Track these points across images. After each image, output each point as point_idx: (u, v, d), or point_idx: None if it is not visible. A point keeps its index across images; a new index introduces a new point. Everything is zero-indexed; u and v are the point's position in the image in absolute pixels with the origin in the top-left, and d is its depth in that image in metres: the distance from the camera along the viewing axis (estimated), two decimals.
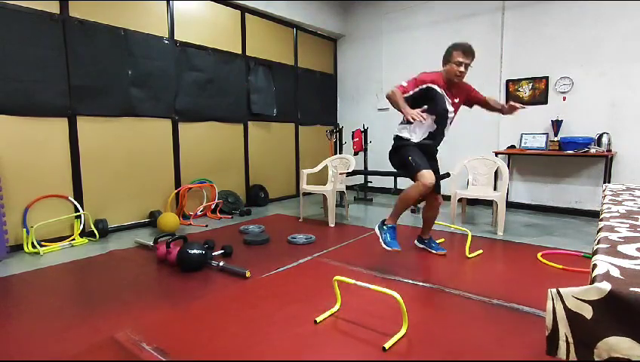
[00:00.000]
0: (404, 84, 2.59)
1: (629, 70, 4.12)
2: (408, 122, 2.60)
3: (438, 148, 2.90)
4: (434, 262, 2.92)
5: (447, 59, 2.65)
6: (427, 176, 2.50)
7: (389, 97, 2.56)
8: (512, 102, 2.64)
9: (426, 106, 2.61)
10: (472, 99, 2.86)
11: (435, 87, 2.61)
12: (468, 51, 2.61)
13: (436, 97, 2.62)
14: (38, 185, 3.33)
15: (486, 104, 2.83)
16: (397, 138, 2.80)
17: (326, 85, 6.53)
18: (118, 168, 3.85)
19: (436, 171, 2.75)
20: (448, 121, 2.76)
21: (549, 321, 0.81)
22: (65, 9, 3.39)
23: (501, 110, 2.77)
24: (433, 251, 3.04)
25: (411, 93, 2.57)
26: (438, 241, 3.36)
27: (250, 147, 5.25)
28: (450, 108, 2.72)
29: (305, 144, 6.13)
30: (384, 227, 2.65)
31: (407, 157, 2.64)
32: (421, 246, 3.15)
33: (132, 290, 2.39)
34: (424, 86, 2.60)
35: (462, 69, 2.58)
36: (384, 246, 2.58)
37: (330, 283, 2.13)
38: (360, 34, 6.36)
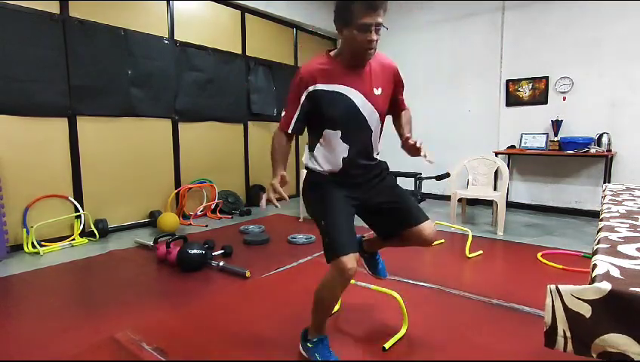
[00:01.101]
0: (282, 113, 1.60)
1: (629, 70, 4.12)
2: (310, 148, 1.69)
3: (382, 170, 1.71)
4: (434, 262, 2.92)
5: (344, 20, 1.43)
6: (348, 261, 1.42)
7: (272, 144, 1.64)
8: (413, 143, 1.49)
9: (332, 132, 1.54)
10: (398, 94, 1.69)
11: (321, 86, 1.49)
12: (377, 2, 1.40)
13: (324, 102, 1.50)
14: (38, 185, 3.33)
15: (401, 117, 1.73)
16: (307, 170, 1.72)
17: None
18: (118, 168, 3.85)
19: (396, 202, 1.63)
20: (371, 123, 1.56)
21: (547, 317, 0.81)
22: (65, 9, 3.39)
23: (402, 140, 1.58)
24: (373, 274, 1.91)
25: (297, 115, 1.54)
26: (437, 242, 3.36)
27: (250, 147, 5.24)
28: (365, 105, 1.53)
29: (305, 144, 6.11)
30: (309, 344, 1.63)
31: (320, 219, 1.57)
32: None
33: (132, 290, 2.39)
34: (306, 92, 1.51)
35: (373, 36, 1.46)
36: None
37: None
38: None
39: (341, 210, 1.56)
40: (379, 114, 1.57)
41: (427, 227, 1.59)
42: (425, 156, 1.47)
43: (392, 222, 1.64)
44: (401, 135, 1.64)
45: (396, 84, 1.66)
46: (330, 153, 1.59)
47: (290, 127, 1.57)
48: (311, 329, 1.66)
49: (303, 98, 1.52)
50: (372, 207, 1.64)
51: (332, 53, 1.57)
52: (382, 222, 1.69)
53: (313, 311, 1.62)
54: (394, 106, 1.70)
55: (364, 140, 1.59)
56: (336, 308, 2.06)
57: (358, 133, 1.56)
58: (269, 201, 1.53)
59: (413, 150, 1.49)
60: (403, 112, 1.74)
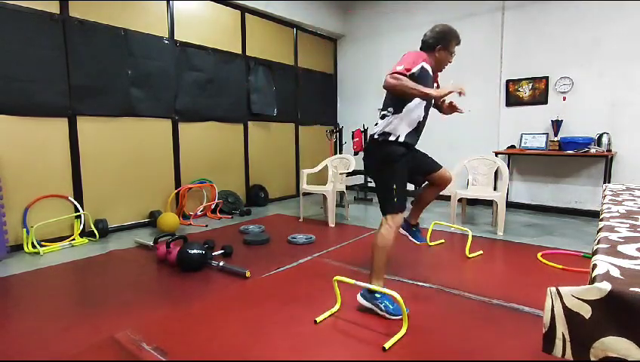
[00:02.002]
0: (402, 66, 1.97)
1: (629, 70, 4.12)
2: (394, 112, 2.12)
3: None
4: (434, 262, 2.92)
5: (444, 45, 2.17)
6: (401, 218, 2.10)
7: (393, 86, 1.96)
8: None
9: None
10: None
11: (428, 67, 2.12)
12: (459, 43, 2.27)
13: (428, 79, 2.10)
14: (38, 185, 3.33)
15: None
16: (384, 141, 2.13)
17: (326, 85, 6.53)
18: (118, 168, 3.85)
19: (424, 160, 2.33)
20: (429, 110, 2.25)
21: (546, 319, 0.81)
22: (65, 9, 3.39)
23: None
24: (416, 241, 2.52)
25: (414, 72, 2.00)
26: (437, 242, 3.37)
27: (250, 147, 5.25)
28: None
29: (305, 144, 6.13)
30: (376, 295, 2.03)
31: (393, 183, 2.09)
32: (404, 232, 2.50)
33: (132, 290, 2.39)
34: (420, 65, 2.05)
35: (452, 59, 2.26)
36: (391, 317, 1.98)
37: (330, 283, 2.13)
38: (360, 34, 6.36)
39: (405, 182, 2.18)
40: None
41: (445, 170, 2.37)
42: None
43: (425, 169, 2.34)
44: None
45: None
46: (409, 120, 2.13)
47: (413, 70, 2.00)
48: (374, 282, 2.06)
49: (418, 66, 2.03)
50: (413, 166, 2.24)
51: (428, 60, 2.16)
52: (418, 172, 2.35)
53: (375, 266, 2.07)
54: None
55: (427, 113, 2.24)
56: (336, 307, 2.06)
57: (428, 110, 2.23)
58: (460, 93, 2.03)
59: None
60: None
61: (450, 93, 1.98)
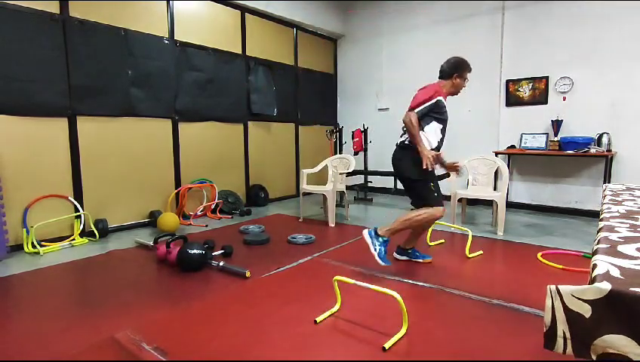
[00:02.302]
0: (414, 106, 2.57)
1: (629, 70, 4.12)
2: (416, 145, 2.54)
3: None
4: (434, 262, 2.92)
5: (459, 73, 2.65)
6: (440, 211, 2.60)
7: (407, 125, 2.53)
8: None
9: (436, 141, 2.66)
10: None
11: (442, 99, 2.60)
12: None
13: (443, 109, 2.62)
14: (38, 185, 3.33)
15: None
16: (413, 147, 2.56)
17: (326, 85, 6.53)
18: (118, 168, 3.85)
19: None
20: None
21: (547, 318, 0.81)
22: (65, 9, 3.39)
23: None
24: (419, 260, 2.85)
25: (424, 109, 2.56)
26: (437, 242, 3.37)
27: (250, 147, 5.25)
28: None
29: (305, 144, 6.13)
30: (379, 238, 2.58)
31: (430, 181, 2.60)
32: (402, 257, 2.89)
33: (132, 290, 2.39)
34: (434, 100, 2.55)
35: (465, 85, 2.74)
36: (377, 259, 2.53)
37: (330, 283, 2.13)
38: (360, 34, 6.37)
39: (437, 180, 2.67)
40: None
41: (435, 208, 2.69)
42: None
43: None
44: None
45: None
46: (431, 136, 2.62)
47: (418, 110, 2.56)
48: (385, 231, 2.59)
49: (428, 104, 2.55)
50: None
51: (444, 88, 2.68)
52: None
53: (397, 223, 2.59)
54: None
55: (443, 139, 2.72)
56: (336, 307, 2.06)
57: (444, 132, 2.70)
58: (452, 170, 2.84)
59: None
60: None
61: (429, 166, 2.44)
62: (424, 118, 2.58)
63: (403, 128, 2.69)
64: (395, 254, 2.91)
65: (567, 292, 0.77)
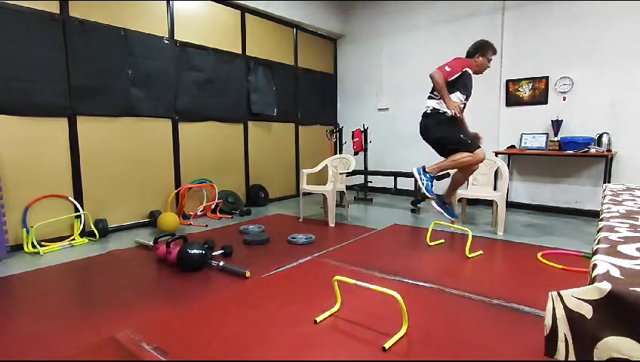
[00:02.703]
0: (448, 69, 2.94)
1: (629, 70, 4.12)
2: (442, 97, 2.96)
3: None
4: (434, 262, 2.92)
5: (482, 52, 3.11)
6: (482, 154, 2.99)
7: (433, 78, 2.93)
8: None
9: (462, 96, 3.07)
10: None
11: (469, 70, 3.03)
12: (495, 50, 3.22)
13: (469, 80, 3.04)
14: (38, 185, 3.33)
15: None
16: (436, 112, 3.04)
17: (326, 85, 6.53)
18: (118, 168, 3.85)
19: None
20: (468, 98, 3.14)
21: (548, 321, 0.80)
22: (65, 9, 3.39)
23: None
24: (447, 215, 3.23)
25: (452, 78, 2.95)
26: (437, 242, 3.37)
27: (250, 147, 5.25)
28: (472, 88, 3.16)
29: (305, 144, 6.13)
30: (427, 174, 3.03)
31: (460, 134, 2.99)
32: (438, 209, 3.23)
33: (132, 290, 2.39)
34: (462, 70, 2.97)
35: (489, 65, 3.16)
36: (425, 192, 2.98)
37: (330, 283, 2.13)
38: (360, 34, 6.37)
39: (468, 132, 3.09)
40: None
41: (480, 153, 3.11)
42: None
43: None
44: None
45: None
46: (460, 104, 3.01)
47: (452, 77, 2.97)
48: (431, 168, 3.04)
49: (458, 74, 2.97)
50: None
51: (472, 65, 3.11)
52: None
53: (443, 162, 3.03)
54: None
55: (467, 100, 3.13)
56: (336, 307, 2.06)
57: (467, 101, 3.09)
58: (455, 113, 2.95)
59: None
60: None
61: (457, 114, 2.87)
62: (450, 86, 2.96)
63: (432, 92, 3.08)
64: (433, 203, 3.24)
65: (568, 294, 0.77)
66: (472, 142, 3.00)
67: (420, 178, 3.02)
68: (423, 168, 3.07)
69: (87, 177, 3.63)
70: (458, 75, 2.96)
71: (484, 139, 5.11)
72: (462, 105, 2.93)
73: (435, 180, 3.06)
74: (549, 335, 0.80)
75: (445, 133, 3.02)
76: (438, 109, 3.04)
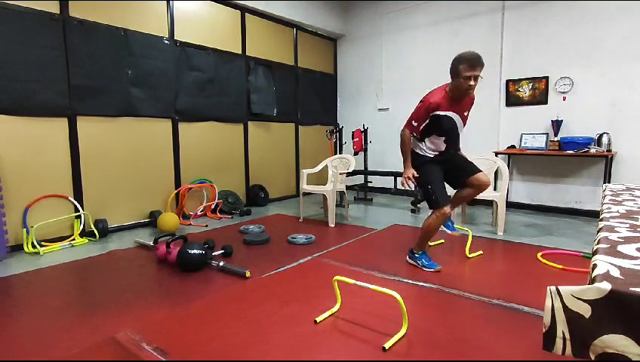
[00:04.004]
0: (414, 123, 2.64)
1: (629, 70, 4.12)
2: (419, 140, 2.72)
3: (457, 152, 2.87)
4: (434, 262, 2.92)
5: (454, 73, 2.44)
6: (446, 209, 2.61)
7: (401, 139, 2.73)
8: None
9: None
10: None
11: (439, 112, 2.55)
12: (476, 63, 2.36)
13: (442, 121, 2.58)
14: (38, 185, 3.33)
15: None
16: (413, 154, 2.75)
17: (326, 85, 6.53)
18: (118, 168, 3.85)
19: (461, 165, 2.80)
20: (459, 132, 2.73)
21: (547, 318, 0.81)
22: (65, 9, 3.39)
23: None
24: (447, 231, 2.88)
25: (417, 125, 2.64)
26: (437, 242, 3.36)
27: (250, 147, 5.25)
28: (459, 123, 2.67)
29: (305, 144, 6.13)
30: (416, 255, 2.75)
31: (427, 184, 2.65)
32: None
33: (132, 290, 2.39)
34: (430, 116, 2.58)
35: (471, 82, 2.39)
36: (428, 270, 2.66)
37: (330, 283, 2.13)
38: (360, 34, 6.37)
39: (438, 178, 2.66)
40: (464, 126, 2.73)
41: (482, 175, 2.73)
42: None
43: (461, 174, 2.75)
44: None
45: (471, 102, 2.73)
46: (435, 147, 2.72)
47: (410, 128, 2.68)
48: (416, 247, 2.77)
49: (427, 118, 2.59)
50: (450, 169, 2.75)
51: (447, 90, 2.55)
52: (456, 176, 2.79)
53: (420, 239, 2.73)
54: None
55: (455, 141, 2.77)
56: (336, 307, 2.06)
57: (453, 137, 2.72)
58: (404, 185, 2.70)
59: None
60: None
61: (404, 185, 2.70)
62: (426, 130, 2.66)
63: None
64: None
65: (567, 293, 0.77)
66: (436, 199, 2.59)
67: (415, 262, 2.75)
68: (411, 251, 2.80)
69: (87, 177, 3.63)
70: (427, 122, 2.61)
71: (484, 140, 5.17)
72: (413, 175, 2.66)
73: (426, 255, 2.76)
74: (548, 332, 0.81)
75: (419, 178, 2.69)
76: (414, 151, 2.75)
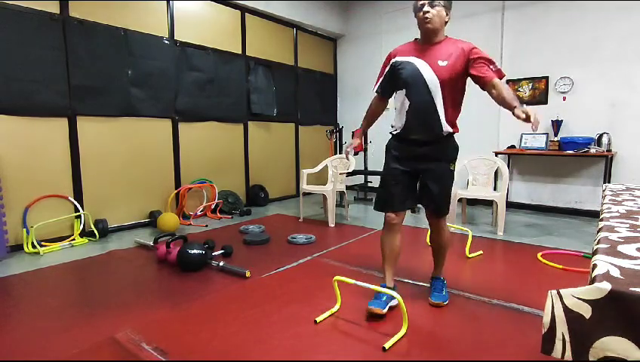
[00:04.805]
0: (379, 81, 2.15)
1: (629, 70, 4.12)
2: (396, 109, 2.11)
3: (442, 154, 2.04)
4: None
5: (414, 11, 2.05)
6: (386, 218, 2.08)
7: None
8: (531, 114, 1.69)
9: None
10: (473, 69, 1.94)
11: (399, 58, 2.03)
12: None
13: (401, 67, 2.00)
14: (38, 185, 3.33)
15: (492, 88, 1.91)
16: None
17: (326, 85, 6.53)
18: (118, 168, 3.85)
19: (431, 185, 2.02)
20: (431, 90, 1.92)
21: (546, 320, 0.81)
22: (65, 9, 3.39)
23: (512, 111, 1.79)
24: (431, 299, 2.15)
25: (381, 81, 2.12)
26: None
27: (250, 147, 5.24)
28: (428, 73, 1.92)
29: (305, 144, 6.13)
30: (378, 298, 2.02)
31: (380, 182, 2.15)
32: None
33: (132, 290, 2.39)
34: (389, 65, 2.07)
35: (420, 14, 1.96)
36: (372, 308, 1.97)
37: (330, 283, 2.13)
38: (360, 34, 6.36)
39: (392, 184, 2.07)
40: (440, 80, 1.92)
41: (441, 222, 2.10)
42: (533, 127, 1.74)
43: (426, 199, 2.07)
44: (511, 108, 1.80)
45: (469, 59, 1.93)
46: (399, 111, 2.03)
47: (376, 87, 2.16)
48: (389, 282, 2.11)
49: (387, 68, 2.08)
50: (421, 186, 2.08)
51: (416, 38, 2.08)
52: (421, 195, 2.11)
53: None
54: (479, 77, 1.93)
55: (425, 104, 1.95)
56: (336, 307, 2.06)
57: (418, 93, 1.95)
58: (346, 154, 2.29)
59: (527, 120, 1.71)
60: (496, 82, 1.89)
61: (348, 150, 2.30)
62: (392, 87, 2.12)
63: None
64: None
65: (568, 293, 0.77)
66: (378, 200, 2.12)
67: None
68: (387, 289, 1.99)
69: (87, 177, 3.63)
70: (387, 75, 2.10)
71: (484, 140, 5.17)
72: (348, 151, 2.27)
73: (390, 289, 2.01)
74: (547, 334, 0.80)
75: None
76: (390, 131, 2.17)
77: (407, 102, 1.98)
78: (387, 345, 1.69)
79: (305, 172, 4.36)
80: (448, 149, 2.07)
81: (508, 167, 4.70)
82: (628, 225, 1.25)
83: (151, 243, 3.21)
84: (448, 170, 2.06)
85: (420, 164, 2.04)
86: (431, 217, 2.12)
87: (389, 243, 2.11)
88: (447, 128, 1.99)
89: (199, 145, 4.60)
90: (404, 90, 2.00)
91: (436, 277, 2.25)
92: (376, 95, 2.19)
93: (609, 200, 1.76)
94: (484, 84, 1.92)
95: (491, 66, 1.93)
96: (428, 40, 1.99)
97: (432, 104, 1.94)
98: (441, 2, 1.93)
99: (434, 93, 1.93)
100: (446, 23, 2.00)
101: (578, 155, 4.19)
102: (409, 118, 1.99)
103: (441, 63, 1.92)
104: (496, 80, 1.89)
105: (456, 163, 2.13)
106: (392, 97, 2.15)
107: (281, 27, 5.58)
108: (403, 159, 2.07)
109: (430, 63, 1.93)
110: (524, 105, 1.75)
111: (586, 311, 0.75)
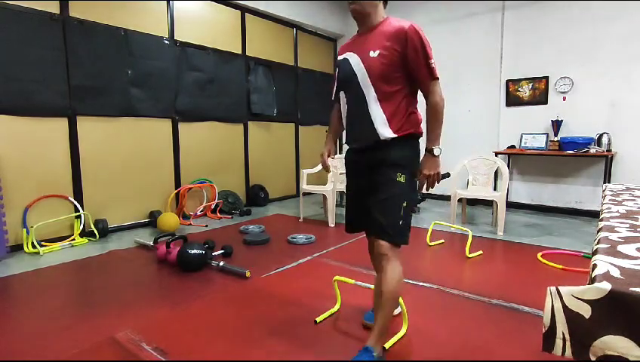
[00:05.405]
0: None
1: (629, 70, 4.12)
2: None
3: (381, 151, 1.60)
4: (434, 262, 2.92)
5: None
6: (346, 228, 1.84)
7: None
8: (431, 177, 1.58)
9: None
10: (408, 60, 1.55)
11: (339, 56, 1.75)
12: None
13: (338, 67, 1.73)
14: (38, 185, 3.33)
15: (426, 96, 1.60)
16: None
17: (326, 85, 6.51)
18: (118, 168, 3.85)
19: (371, 193, 1.62)
20: (362, 88, 1.59)
21: (546, 319, 0.81)
22: (65, 9, 3.39)
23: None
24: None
25: (335, 86, 1.79)
26: (437, 242, 3.36)
27: (250, 147, 5.24)
28: (359, 68, 1.59)
29: (305, 144, 6.13)
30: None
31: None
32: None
33: (132, 290, 2.39)
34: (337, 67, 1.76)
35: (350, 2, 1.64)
36: None
37: (330, 283, 2.13)
38: None
39: (350, 194, 1.80)
40: (370, 74, 1.56)
41: (382, 246, 1.57)
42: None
43: (364, 210, 1.66)
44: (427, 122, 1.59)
45: (404, 47, 1.52)
46: (343, 115, 1.76)
47: (333, 96, 1.82)
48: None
49: (335, 76, 1.76)
50: (364, 192, 1.67)
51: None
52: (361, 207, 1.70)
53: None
54: (415, 72, 1.56)
55: (357, 107, 1.64)
56: (336, 307, 2.06)
57: (351, 93, 1.66)
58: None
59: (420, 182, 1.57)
60: (428, 92, 1.56)
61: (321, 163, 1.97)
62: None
63: None
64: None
65: (567, 293, 0.77)
66: (347, 214, 1.83)
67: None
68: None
69: (87, 177, 3.63)
70: (335, 83, 1.79)
71: (484, 140, 5.17)
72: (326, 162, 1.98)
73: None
74: (547, 332, 0.81)
75: None
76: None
77: (345, 107, 1.71)
78: (387, 345, 1.69)
79: (305, 172, 4.36)
80: (392, 155, 1.58)
81: (508, 167, 4.70)
82: (628, 225, 1.25)
83: (151, 244, 3.21)
84: (391, 180, 1.56)
85: (366, 176, 1.65)
86: (374, 245, 1.60)
87: (372, 261, 1.85)
88: (385, 133, 1.56)
89: (199, 145, 4.60)
90: (343, 93, 1.72)
91: (365, 347, 1.55)
92: (334, 103, 1.85)
93: (609, 200, 1.76)
94: (420, 84, 1.60)
95: (430, 61, 1.56)
96: (363, 27, 1.67)
97: (363, 105, 1.60)
98: None
99: (366, 92, 1.58)
100: (383, 2, 1.66)
101: (578, 155, 4.19)
102: (347, 123, 1.73)
103: (372, 54, 1.56)
104: (432, 87, 1.56)
105: (415, 173, 1.62)
106: None
107: (281, 27, 5.58)
108: (352, 172, 1.77)
109: (361, 56, 1.60)
110: (438, 149, 1.58)
111: (586, 311, 0.75)
